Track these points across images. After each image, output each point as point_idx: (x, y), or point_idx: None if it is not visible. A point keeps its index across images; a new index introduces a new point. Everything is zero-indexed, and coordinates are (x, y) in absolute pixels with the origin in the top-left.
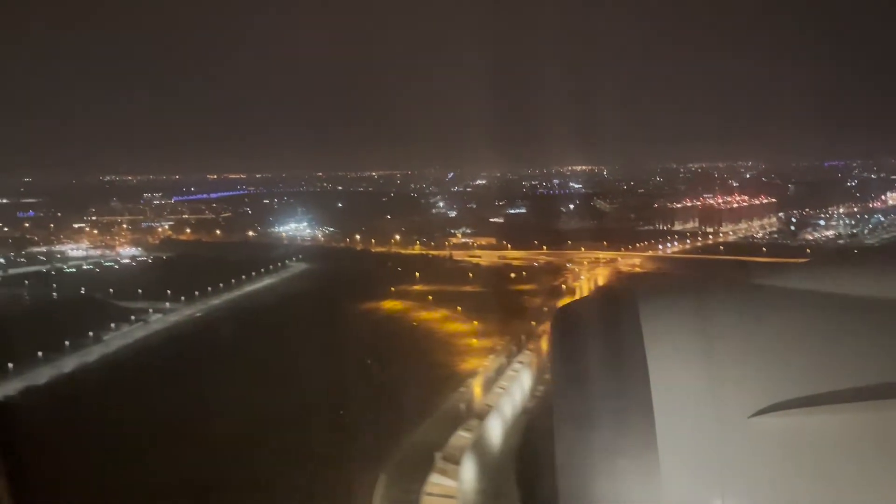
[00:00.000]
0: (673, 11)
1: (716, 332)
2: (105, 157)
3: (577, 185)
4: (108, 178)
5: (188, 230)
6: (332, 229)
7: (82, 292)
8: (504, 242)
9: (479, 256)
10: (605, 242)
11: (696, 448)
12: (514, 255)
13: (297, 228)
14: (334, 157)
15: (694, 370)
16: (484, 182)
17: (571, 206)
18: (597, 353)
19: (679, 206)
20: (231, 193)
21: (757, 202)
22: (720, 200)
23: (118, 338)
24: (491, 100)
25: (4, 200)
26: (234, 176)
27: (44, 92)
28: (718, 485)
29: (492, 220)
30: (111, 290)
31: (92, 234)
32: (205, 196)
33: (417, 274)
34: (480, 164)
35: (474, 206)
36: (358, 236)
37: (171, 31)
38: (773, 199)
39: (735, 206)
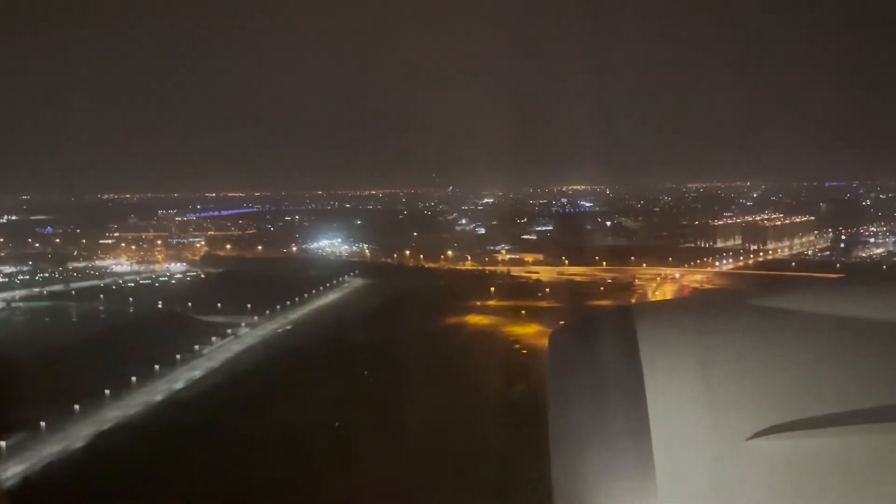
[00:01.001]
0: (668, 32)
1: (713, 354)
2: (100, 174)
3: (587, 204)
4: (106, 196)
5: (228, 246)
6: (370, 246)
7: (159, 306)
8: (562, 258)
9: (538, 272)
10: (658, 258)
11: (694, 470)
12: (575, 271)
13: (332, 245)
14: (329, 176)
15: (691, 392)
16: (491, 200)
17: (595, 224)
18: (594, 374)
19: (720, 223)
20: (240, 211)
21: (797, 220)
22: (761, 218)
23: (217, 351)
24: (490, 120)
25: (14, 217)
26: (232, 194)
27: (37, 110)
28: None
29: (523, 237)
30: (189, 303)
31: (127, 250)
32: (215, 213)
33: (492, 289)
34: (480, 183)
35: (497, 224)
36: (407, 252)
37: (169, 49)
38: (811, 218)
39: (778, 223)
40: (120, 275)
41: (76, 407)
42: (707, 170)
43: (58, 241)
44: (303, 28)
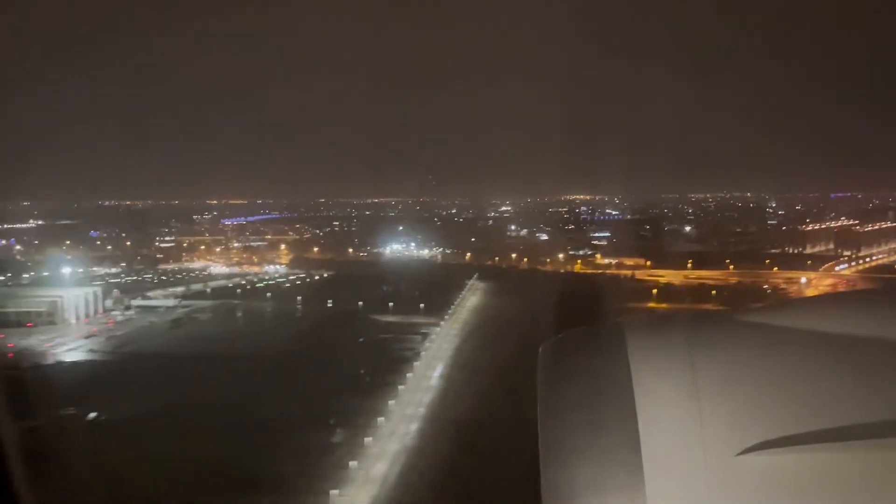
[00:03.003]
0: (672, 44)
1: (704, 369)
2: (100, 182)
3: (614, 212)
4: (107, 202)
5: (315, 249)
6: (445, 249)
7: (329, 305)
8: (686, 263)
9: (662, 276)
10: (770, 263)
11: (683, 485)
12: (703, 275)
13: (405, 248)
14: (333, 184)
15: (682, 406)
16: (509, 208)
17: (650, 231)
18: (584, 388)
19: (808, 228)
20: (264, 217)
21: (883, 226)
22: (851, 224)
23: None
24: (499, 131)
25: (41, 222)
26: (234, 201)
27: (38, 118)
28: None
29: (593, 241)
30: (360, 303)
31: (204, 253)
32: (242, 220)
33: (655, 291)
34: (484, 192)
35: (556, 230)
36: (513, 255)
37: (179, 54)
38: (892, 224)
39: (869, 229)
40: (226, 276)
41: None
42: (711, 180)
43: (129, 244)
44: (309, 39)
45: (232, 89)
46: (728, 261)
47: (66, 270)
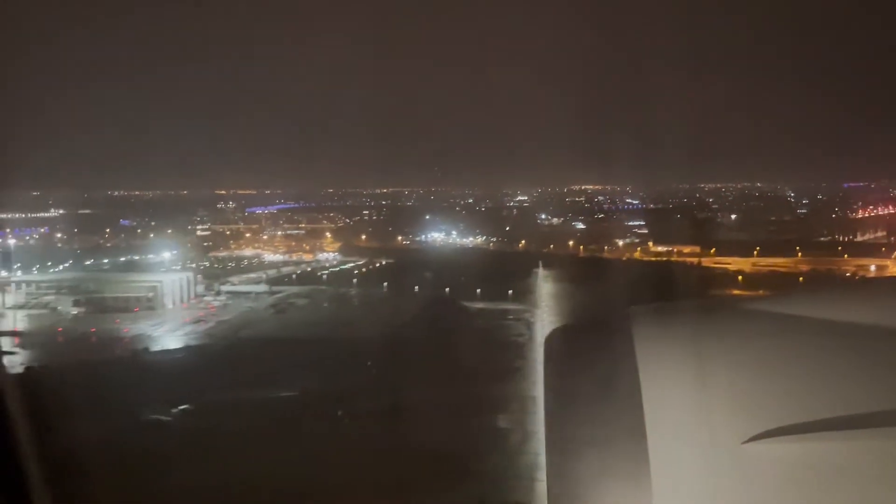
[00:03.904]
0: (681, 35)
1: (710, 358)
2: (106, 172)
3: (634, 202)
4: (116, 193)
5: (363, 237)
6: (490, 238)
7: (415, 291)
8: (748, 250)
9: (729, 263)
10: (832, 251)
11: (689, 473)
12: (773, 263)
13: (446, 236)
14: (341, 174)
15: (687, 395)
16: (525, 198)
17: (684, 220)
18: (590, 377)
19: (859, 216)
20: (282, 206)
21: None
22: None
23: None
24: (508, 121)
25: (62, 211)
26: (243, 192)
27: (41, 108)
28: None
29: (636, 230)
30: (446, 290)
31: (257, 241)
32: (264, 209)
33: (740, 278)
34: (498, 182)
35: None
36: (570, 242)
37: (183, 43)
38: None
39: None
40: (286, 263)
41: None
42: (716, 171)
43: (170, 231)
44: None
45: (240, 79)
46: (798, 248)
47: (161, 256)
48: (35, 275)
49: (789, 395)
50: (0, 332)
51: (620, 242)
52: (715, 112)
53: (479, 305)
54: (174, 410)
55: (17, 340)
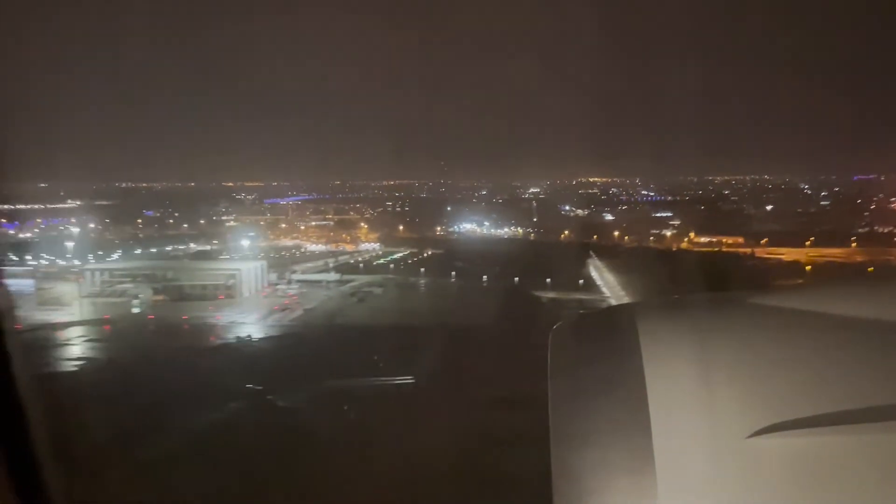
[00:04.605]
0: (689, 24)
1: (715, 351)
2: (111, 164)
3: (651, 194)
4: (123, 184)
5: (401, 227)
6: (525, 228)
7: (484, 281)
8: (801, 241)
9: (783, 254)
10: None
11: (694, 467)
12: (829, 254)
13: (479, 227)
14: (344, 165)
15: (693, 389)
16: (538, 190)
17: (707, 211)
18: (594, 371)
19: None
20: (297, 199)
21: None
22: None
23: None
24: (515, 113)
25: (78, 202)
26: (250, 184)
27: (46, 100)
28: None
29: (668, 221)
30: (515, 279)
31: (295, 232)
32: (279, 201)
33: (808, 269)
34: (506, 174)
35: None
36: (616, 233)
37: (188, 37)
38: None
39: None
40: (334, 253)
41: None
42: (723, 164)
43: (202, 222)
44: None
45: (245, 71)
46: (853, 239)
47: (208, 245)
48: (103, 263)
49: (796, 388)
50: (88, 319)
51: (659, 233)
52: (723, 104)
53: (551, 295)
54: (311, 393)
55: (106, 328)
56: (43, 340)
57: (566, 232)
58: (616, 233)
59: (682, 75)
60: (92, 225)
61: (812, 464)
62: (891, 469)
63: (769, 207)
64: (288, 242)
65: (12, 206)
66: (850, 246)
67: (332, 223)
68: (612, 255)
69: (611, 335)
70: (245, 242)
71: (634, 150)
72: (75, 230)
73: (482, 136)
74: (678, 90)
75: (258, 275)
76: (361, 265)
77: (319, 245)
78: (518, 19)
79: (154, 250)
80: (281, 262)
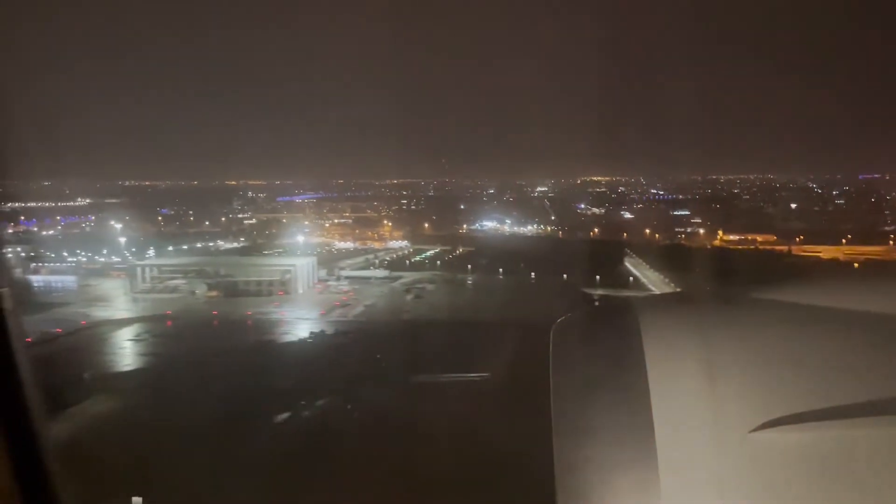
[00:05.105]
0: (691, 23)
1: (716, 347)
2: (113, 162)
3: (660, 192)
4: (128, 182)
5: (426, 225)
6: (551, 226)
7: (532, 277)
8: (837, 238)
9: (819, 252)
10: None
11: (696, 462)
12: (866, 251)
13: (501, 224)
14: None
15: (694, 385)
16: (546, 189)
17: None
18: (597, 367)
19: None
20: (308, 197)
21: None
22: None
23: None
24: (519, 113)
25: (88, 200)
26: (254, 182)
27: (50, 99)
28: (718, 499)
29: (691, 220)
30: (563, 276)
31: (319, 229)
32: (293, 198)
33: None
34: (510, 173)
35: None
36: (647, 230)
37: (193, 35)
38: None
39: None
40: (367, 251)
41: None
42: (726, 163)
43: (223, 220)
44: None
45: (250, 71)
46: (892, 236)
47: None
48: (146, 260)
49: (797, 383)
50: (150, 316)
51: (685, 230)
52: (727, 103)
53: (601, 291)
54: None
55: (168, 324)
56: (112, 337)
57: (595, 230)
58: (647, 230)
59: (686, 76)
60: (112, 222)
61: (814, 458)
62: (892, 462)
63: (793, 206)
64: (316, 240)
65: (24, 204)
66: (887, 244)
67: (350, 221)
68: (648, 252)
69: (613, 330)
70: (289, 239)
71: (637, 149)
72: (98, 228)
73: (482, 135)
74: (681, 90)
75: (310, 271)
76: (406, 262)
77: (347, 243)
78: (521, 19)
79: (185, 247)
80: (321, 260)
